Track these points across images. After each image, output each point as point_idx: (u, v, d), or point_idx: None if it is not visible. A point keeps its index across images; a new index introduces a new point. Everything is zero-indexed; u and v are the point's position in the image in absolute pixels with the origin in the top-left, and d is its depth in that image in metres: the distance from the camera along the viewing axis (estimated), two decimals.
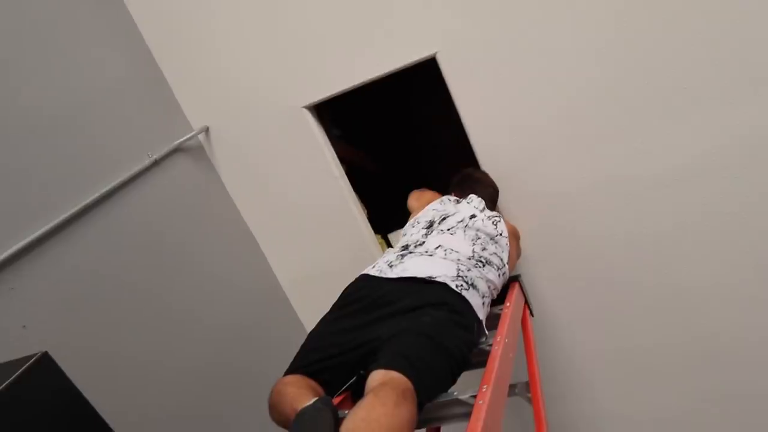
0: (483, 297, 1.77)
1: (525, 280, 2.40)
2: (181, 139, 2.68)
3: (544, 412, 1.87)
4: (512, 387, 1.94)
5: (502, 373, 1.52)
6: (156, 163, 2.53)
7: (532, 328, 2.20)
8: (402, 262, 1.80)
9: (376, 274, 1.80)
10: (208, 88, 2.74)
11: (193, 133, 2.74)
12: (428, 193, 2.42)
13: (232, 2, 2.53)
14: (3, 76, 2.05)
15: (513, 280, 2.24)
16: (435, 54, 2.32)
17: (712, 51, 2.04)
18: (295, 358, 1.68)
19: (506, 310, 1.92)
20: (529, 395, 1.94)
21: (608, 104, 2.21)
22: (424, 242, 1.91)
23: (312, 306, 3.02)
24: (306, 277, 2.99)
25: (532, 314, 2.31)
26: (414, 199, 2.45)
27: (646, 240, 2.38)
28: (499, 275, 1.92)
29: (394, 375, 1.32)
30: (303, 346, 1.72)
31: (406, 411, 1.21)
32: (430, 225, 2.03)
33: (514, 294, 2.12)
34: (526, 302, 2.28)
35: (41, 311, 1.95)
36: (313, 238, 2.89)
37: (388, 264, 1.83)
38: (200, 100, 2.77)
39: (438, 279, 1.69)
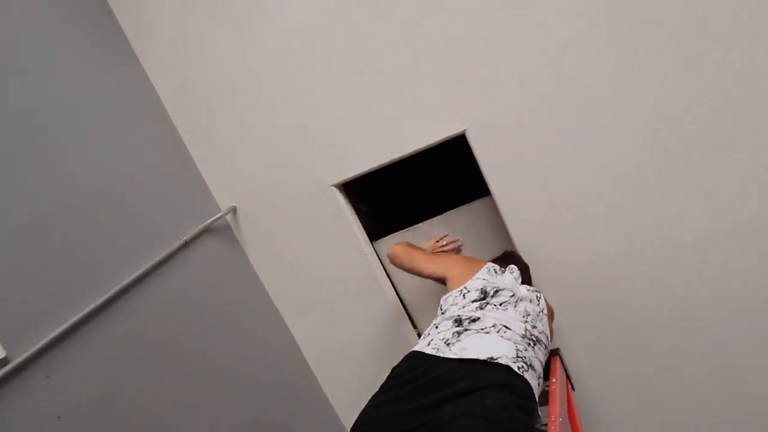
0: (539, 378, 1.71)
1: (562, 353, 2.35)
2: (210, 221, 2.69)
3: None
4: None
5: None
6: (186, 245, 2.54)
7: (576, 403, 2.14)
8: (459, 340, 1.72)
9: (432, 352, 1.70)
10: (235, 169, 2.77)
11: (220, 214, 2.76)
12: (456, 258, 2.28)
13: (258, 82, 2.60)
14: (40, 163, 2.09)
15: (553, 354, 2.20)
16: (464, 131, 2.35)
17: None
18: None
19: (554, 387, 1.87)
20: None
21: (640, 176, 2.23)
22: (479, 318, 1.81)
23: (340, 383, 2.97)
24: (333, 354, 2.93)
25: (573, 388, 2.25)
26: (435, 261, 2.26)
27: (686, 308, 2.35)
28: (545, 354, 1.87)
29: None
30: None
31: None
32: (483, 297, 1.93)
33: (557, 368, 2.07)
34: (568, 377, 2.23)
35: (77, 401, 1.90)
36: (340, 315, 2.86)
37: (444, 342, 1.74)
38: (227, 181, 2.81)
39: (500, 360, 1.62)
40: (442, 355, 1.67)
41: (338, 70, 2.46)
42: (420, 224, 2.72)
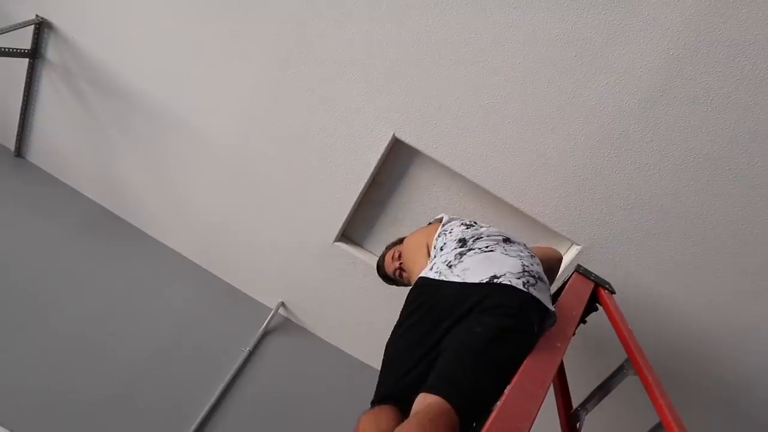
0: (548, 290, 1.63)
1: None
2: (266, 323, 3.00)
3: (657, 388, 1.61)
4: (621, 368, 1.79)
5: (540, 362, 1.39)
6: (252, 353, 2.85)
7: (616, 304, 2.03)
8: (462, 261, 1.62)
9: (435, 276, 1.62)
10: (271, 271, 3.09)
11: (272, 313, 3.06)
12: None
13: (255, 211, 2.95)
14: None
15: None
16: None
17: None
18: (378, 385, 1.52)
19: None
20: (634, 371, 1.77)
21: None
22: (482, 236, 1.74)
23: None
24: None
25: (613, 291, 2.15)
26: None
27: None
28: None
29: (431, 400, 1.24)
30: (382, 371, 1.55)
31: None
32: (470, 227, 1.85)
33: (572, 283, 2.02)
34: (599, 284, 2.14)
35: None
36: None
37: (447, 264, 1.64)
38: (266, 284, 3.12)
39: (502, 280, 1.51)
40: (444, 279, 1.60)
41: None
42: None
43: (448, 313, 1.51)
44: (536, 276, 1.57)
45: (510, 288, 1.50)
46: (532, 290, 1.51)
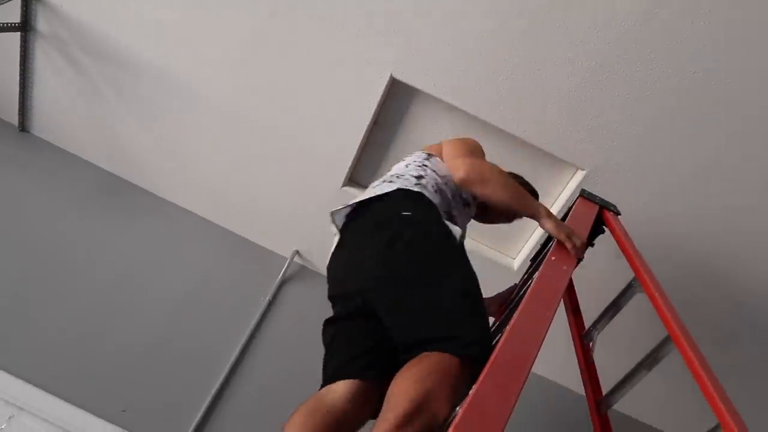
0: (417, 178, 1.63)
1: None
2: (282, 272, 3.07)
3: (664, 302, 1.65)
4: (629, 287, 1.83)
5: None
6: (271, 302, 2.94)
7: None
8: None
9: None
10: (283, 221, 3.14)
11: (288, 261, 3.13)
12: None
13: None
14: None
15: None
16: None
17: None
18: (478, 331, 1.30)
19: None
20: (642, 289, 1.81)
21: None
22: None
23: None
24: None
25: (618, 213, 2.17)
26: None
27: None
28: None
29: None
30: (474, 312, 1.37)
31: None
32: None
33: (576, 208, 2.04)
34: (604, 207, 2.16)
35: None
36: None
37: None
38: (279, 235, 3.18)
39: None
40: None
41: None
42: None
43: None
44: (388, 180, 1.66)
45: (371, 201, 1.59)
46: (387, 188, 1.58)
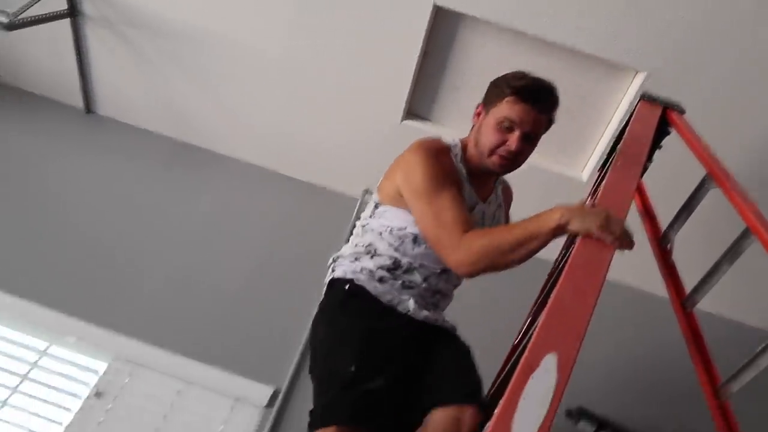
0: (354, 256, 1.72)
1: None
2: (355, 212, 3.16)
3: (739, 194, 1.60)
4: (702, 183, 1.80)
5: None
6: None
7: None
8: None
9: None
10: (348, 163, 3.20)
11: (359, 201, 3.21)
12: None
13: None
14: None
15: None
16: None
17: None
18: None
19: None
20: None
21: None
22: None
23: None
24: None
25: (683, 111, 2.10)
26: None
27: None
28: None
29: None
30: None
31: None
32: None
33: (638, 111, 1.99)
34: (668, 107, 2.09)
35: None
36: None
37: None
38: (346, 176, 3.25)
39: None
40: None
41: None
42: None
43: None
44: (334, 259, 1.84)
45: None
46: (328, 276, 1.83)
